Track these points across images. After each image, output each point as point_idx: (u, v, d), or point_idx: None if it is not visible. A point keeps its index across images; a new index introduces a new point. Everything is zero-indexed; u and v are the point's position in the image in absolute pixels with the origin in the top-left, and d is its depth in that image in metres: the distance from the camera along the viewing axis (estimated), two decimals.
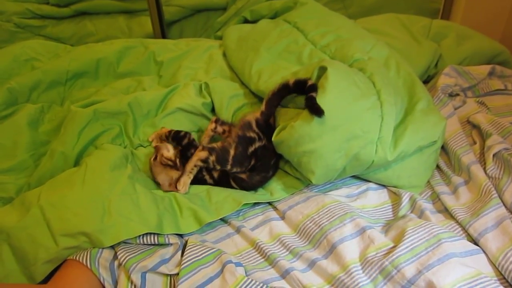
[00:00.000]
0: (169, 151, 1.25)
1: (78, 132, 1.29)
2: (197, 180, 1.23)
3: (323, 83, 1.13)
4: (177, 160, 1.24)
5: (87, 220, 1.02)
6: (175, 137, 1.29)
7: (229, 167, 1.19)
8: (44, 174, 1.24)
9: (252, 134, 1.21)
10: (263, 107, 1.25)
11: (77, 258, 0.99)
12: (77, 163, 1.28)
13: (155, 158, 1.24)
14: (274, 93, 1.23)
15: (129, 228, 1.03)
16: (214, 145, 1.22)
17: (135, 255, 1.01)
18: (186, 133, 1.29)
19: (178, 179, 1.19)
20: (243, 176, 1.22)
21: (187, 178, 1.20)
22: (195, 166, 1.20)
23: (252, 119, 1.24)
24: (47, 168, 1.25)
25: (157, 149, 1.26)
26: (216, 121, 1.35)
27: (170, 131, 1.30)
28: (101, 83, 1.61)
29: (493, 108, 1.49)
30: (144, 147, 1.37)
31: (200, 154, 1.19)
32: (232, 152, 1.19)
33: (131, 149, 1.35)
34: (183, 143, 1.27)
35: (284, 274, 1.00)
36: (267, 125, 1.24)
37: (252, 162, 1.21)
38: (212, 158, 1.18)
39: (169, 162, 1.23)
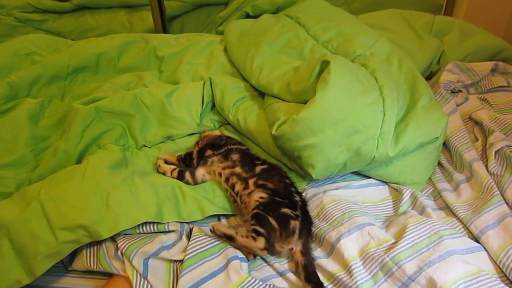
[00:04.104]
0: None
1: (81, 130, 1.29)
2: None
3: (326, 77, 1.12)
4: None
5: (85, 213, 1.02)
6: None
7: None
8: (46, 171, 1.24)
9: None
10: None
11: (92, 266, 1.01)
12: (79, 161, 1.27)
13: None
14: None
15: (127, 218, 1.03)
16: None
17: (134, 241, 1.01)
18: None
19: None
20: None
21: None
22: None
23: None
24: (49, 165, 1.25)
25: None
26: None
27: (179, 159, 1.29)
28: (101, 78, 1.61)
29: (496, 105, 1.49)
30: (149, 147, 1.37)
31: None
32: None
33: (134, 150, 1.35)
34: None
35: (284, 273, 1.01)
36: None
37: None
38: None
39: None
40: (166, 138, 1.40)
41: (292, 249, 1.03)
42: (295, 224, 1.03)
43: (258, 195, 1.08)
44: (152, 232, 1.06)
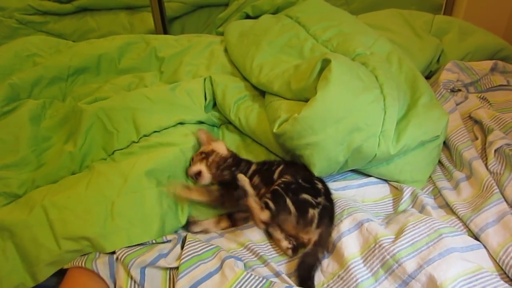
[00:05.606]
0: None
1: (85, 131, 1.28)
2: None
3: (327, 75, 1.13)
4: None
5: (89, 224, 1.01)
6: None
7: None
8: (50, 171, 1.24)
9: None
10: None
11: (78, 264, 0.99)
12: (83, 163, 1.27)
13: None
14: None
15: (131, 235, 1.03)
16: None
17: (133, 251, 1.01)
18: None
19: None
20: None
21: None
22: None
23: None
24: (53, 166, 1.25)
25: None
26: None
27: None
28: (102, 79, 1.62)
29: (495, 104, 1.49)
30: (158, 132, 1.31)
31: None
32: None
33: (141, 144, 1.32)
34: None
35: (280, 273, 1.01)
36: None
37: None
38: None
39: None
40: (176, 122, 1.33)
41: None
42: (313, 213, 1.00)
43: (282, 179, 1.06)
44: (151, 243, 1.07)
